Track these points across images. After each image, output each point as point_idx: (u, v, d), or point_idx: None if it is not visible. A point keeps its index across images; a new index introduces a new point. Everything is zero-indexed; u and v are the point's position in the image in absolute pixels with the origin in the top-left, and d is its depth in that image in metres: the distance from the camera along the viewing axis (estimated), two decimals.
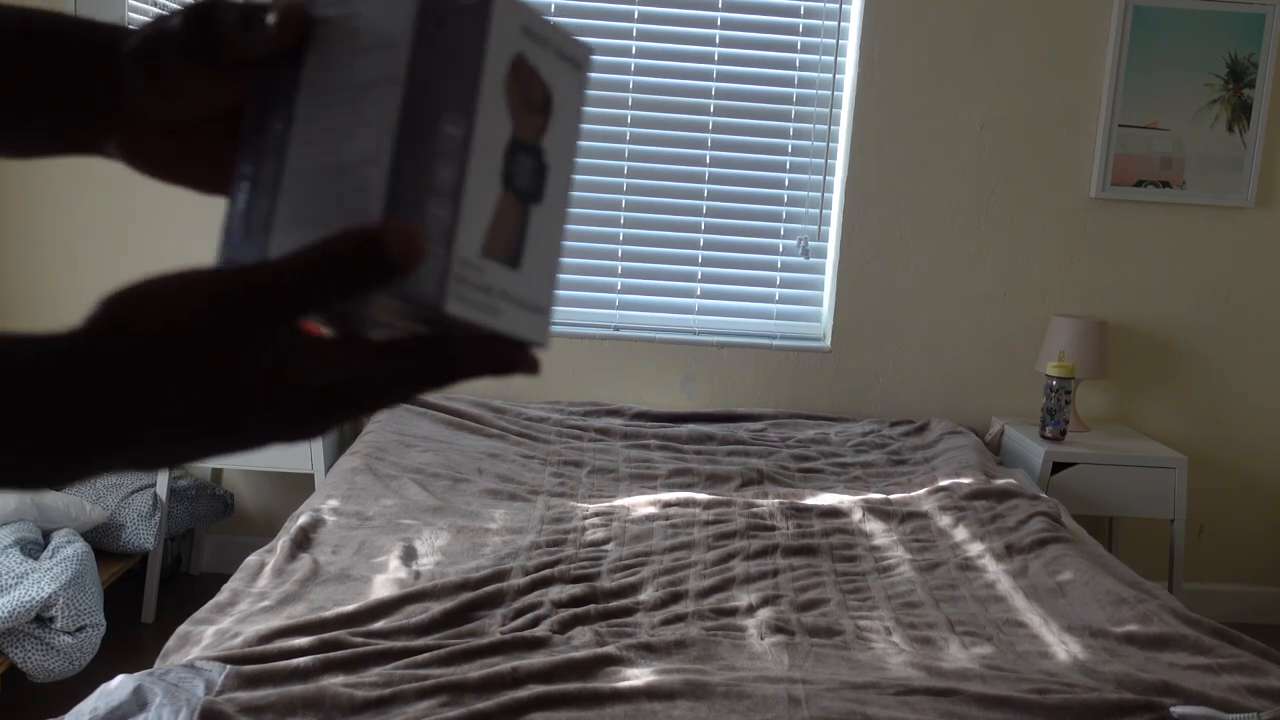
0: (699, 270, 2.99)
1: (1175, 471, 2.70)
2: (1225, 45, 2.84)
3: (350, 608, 1.55)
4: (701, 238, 2.97)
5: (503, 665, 1.39)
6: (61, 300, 2.88)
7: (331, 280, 0.35)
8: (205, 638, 1.48)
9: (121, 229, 2.87)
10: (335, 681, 1.33)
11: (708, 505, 2.17)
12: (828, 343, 2.98)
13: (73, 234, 2.87)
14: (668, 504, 2.16)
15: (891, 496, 2.30)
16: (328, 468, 2.61)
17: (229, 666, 1.34)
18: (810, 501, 2.22)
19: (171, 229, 2.86)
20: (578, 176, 2.91)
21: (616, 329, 2.97)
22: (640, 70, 2.90)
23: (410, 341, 0.39)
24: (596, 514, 2.09)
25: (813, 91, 2.91)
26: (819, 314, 3.02)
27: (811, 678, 1.41)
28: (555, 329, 2.87)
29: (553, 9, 2.86)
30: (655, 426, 2.75)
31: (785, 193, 2.96)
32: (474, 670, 1.38)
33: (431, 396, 2.70)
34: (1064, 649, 1.58)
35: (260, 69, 0.42)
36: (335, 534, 1.91)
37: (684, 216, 2.96)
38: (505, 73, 0.38)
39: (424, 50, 0.37)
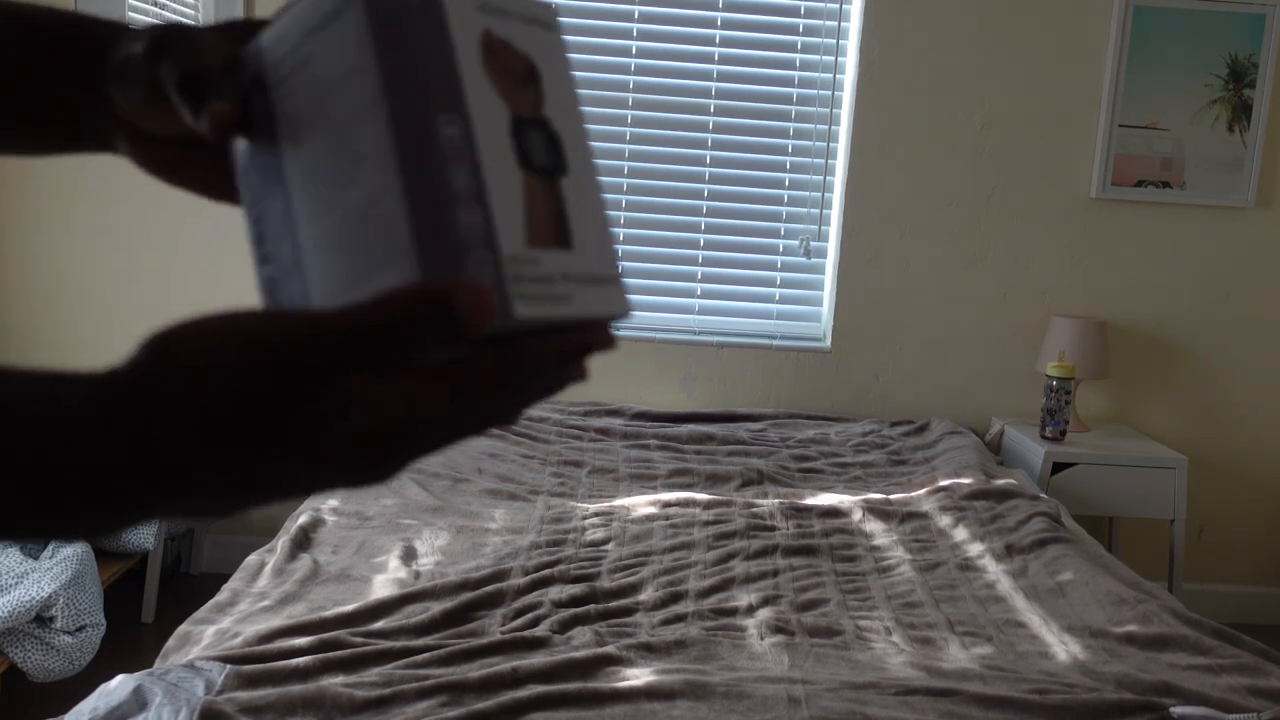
0: (699, 270, 2.98)
1: (1175, 472, 2.70)
2: (1225, 45, 2.84)
3: (350, 608, 1.55)
4: (701, 238, 2.97)
5: (503, 665, 1.39)
6: (62, 303, 2.88)
7: (393, 341, 0.33)
8: (205, 637, 1.48)
9: (122, 230, 2.87)
10: (335, 681, 1.33)
11: (708, 505, 2.17)
12: (828, 343, 2.98)
13: (73, 244, 2.87)
14: (668, 504, 2.16)
15: (891, 496, 2.30)
16: None
17: (229, 666, 1.34)
18: (810, 501, 2.22)
19: (174, 234, 2.87)
20: None
21: (617, 329, 2.97)
22: (640, 70, 2.90)
23: (472, 362, 0.35)
24: (596, 514, 2.09)
25: (813, 91, 2.91)
26: (819, 314, 3.02)
27: (811, 678, 1.41)
28: None
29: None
30: (655, 426, 2.75)
31: (785, 193, 2.96)
32: (474, 670, 1.38)
33: None
34: (1064, 649, 1.58)
35: (228, 143, 0.40)
36: (335, 534, 1.91)
37: (684, 216, 2.96)
38: (479, 55, 0.35)
39: (391, 63, 0.35)
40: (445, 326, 0.32)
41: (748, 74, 2.91)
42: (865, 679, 1.42)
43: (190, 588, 2.89)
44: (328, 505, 2.03)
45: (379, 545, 1.85)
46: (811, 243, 2.98)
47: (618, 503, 2.17)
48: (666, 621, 1.62)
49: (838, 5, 2.88)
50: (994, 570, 1.90)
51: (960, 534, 2.08)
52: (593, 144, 0.42)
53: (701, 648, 1.53)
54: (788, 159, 2.94)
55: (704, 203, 2.95)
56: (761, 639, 1.58)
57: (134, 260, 2.88)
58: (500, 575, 1.72)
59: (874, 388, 3.00)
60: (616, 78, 2.90)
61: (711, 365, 2.98)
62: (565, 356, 0.36)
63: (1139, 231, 2.94)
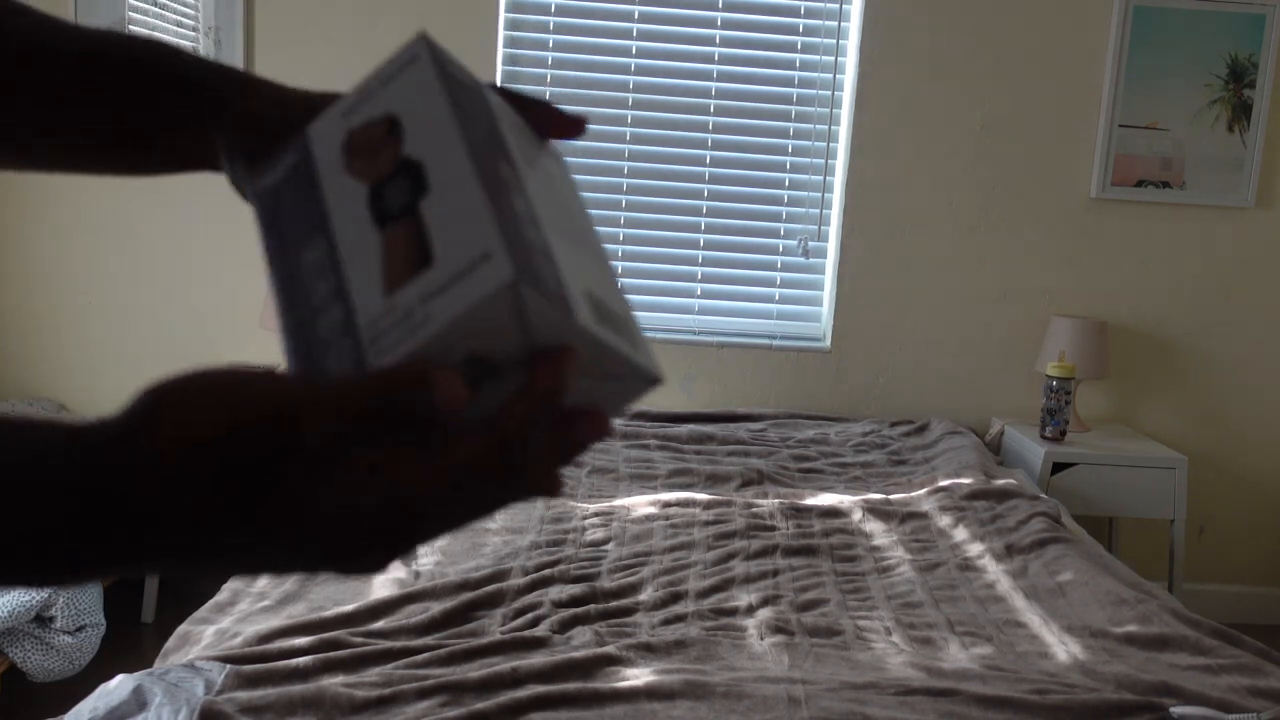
0: (699, 270, 2.98)
1: (1175, 472, 2.70)
2: (1225, 45, 2.84)
3: (350, 608, 1.55)
4: (701, 238, 2.97)
5: (502, 665, 1.39)
6: (62, 309, 2.88)
7: (374, 421, 0.33)
8: (205, 637, 1.48)
9: (126, 227, 2.87)
10: (335, 681, 1.33)
11: (708, 505, 2.17)
12: (828, 343, 2.98)
13: (75, 257, 2.87)
14: (667, 504, 2.16)
15: (891, 497, 2.30)
16: None
17: (229, 666, 1.34)
18: (810, 502, 2.22)
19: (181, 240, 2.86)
20: (578, 176, 2.91)
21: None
22: (640, 70, 2.90)
23: (474, 436, 0.34)
24: (596, 514, 2.09)
25: (813, 91, 2.91)
26: (819, 314, 3.02)
27: (811, 678, 1.41)
28: None
29: (553, 10, 2.86)
30: (655, 426, 2.75)
31: (785, 193, 2.96)
32: (474, 670, 1.38)
33: None
34: (1064, 649, 1.58)
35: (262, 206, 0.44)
36: None
37: (684, 217, 2.96)
38: (340, 162, 0.41)
39: (274, 224, 0.42)
40: (422, 406, 0.33)
41: (747, 74, 2.91)
42: (865, 679, 1.41)
43: (190, 588, 2.88)
44: None
45: None
46: (811, 243, 2.98)
47: (618, 503, 2.17)
48: (666, 621, 1.62)
49: (838, 5, 2.88)
50: (994, 570, 1.90)
51: (960, 534, 2.08)
52: (496, 128, 0.43)
53: (701, 648, 1.53)
54: (787, 159, 2.94)
55: (704, 203, 2.95)
56: (761, 639, 1.58)
57: (139, 258, 2.88)
58: (500, 575, 1.72)
59: (874, 388, 3.00)
60: (616, 78, 2.90)
61: (711, 365, 2.98)
62: (560, 419, 0.36)
63: (1139, 231, 2.94)
